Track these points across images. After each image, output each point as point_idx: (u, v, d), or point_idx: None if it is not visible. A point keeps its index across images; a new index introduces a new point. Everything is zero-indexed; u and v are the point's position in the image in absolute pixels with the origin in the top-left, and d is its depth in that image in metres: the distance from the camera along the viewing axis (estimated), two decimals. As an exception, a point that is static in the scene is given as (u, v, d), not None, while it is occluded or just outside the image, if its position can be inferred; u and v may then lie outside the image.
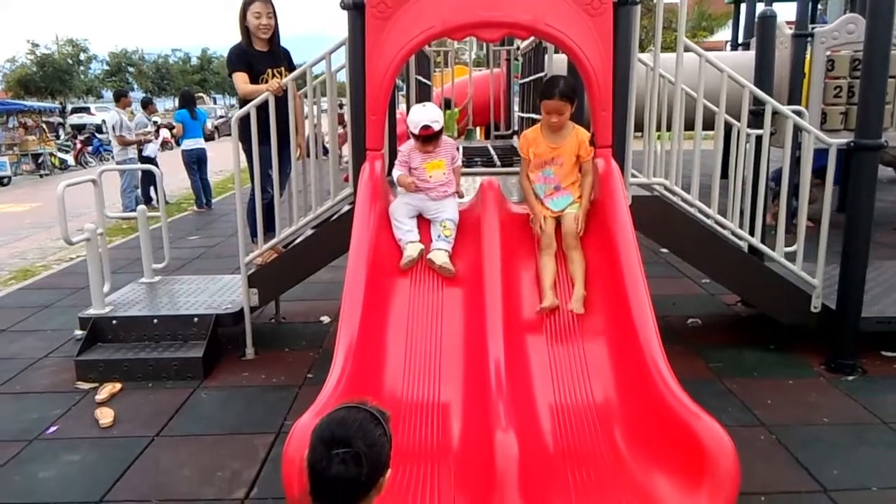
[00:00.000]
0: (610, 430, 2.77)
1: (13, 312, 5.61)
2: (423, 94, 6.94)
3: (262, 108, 4.30)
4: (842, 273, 4.18)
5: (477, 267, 3.33)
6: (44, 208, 11.51)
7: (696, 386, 2.69)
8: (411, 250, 3.49)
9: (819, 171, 4.55)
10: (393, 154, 4.22)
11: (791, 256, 4.33)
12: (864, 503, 2.89)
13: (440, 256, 3.47)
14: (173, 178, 12.42)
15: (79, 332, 4.54)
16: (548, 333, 3.22)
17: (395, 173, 3.69)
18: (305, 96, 4.58)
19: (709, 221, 4.30)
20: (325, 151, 5.22)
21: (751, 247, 4.40)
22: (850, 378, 4.07)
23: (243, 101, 4.49)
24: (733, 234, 4.36)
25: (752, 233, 4.35)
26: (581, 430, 2.81)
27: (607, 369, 3.00)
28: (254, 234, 4.66)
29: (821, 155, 4.44)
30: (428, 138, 3.59)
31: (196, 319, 4.46)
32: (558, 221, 3.53)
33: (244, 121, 4.35)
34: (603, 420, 2.83)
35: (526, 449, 2.61)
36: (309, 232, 4.60)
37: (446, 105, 8.92)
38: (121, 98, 10.68)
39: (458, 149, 3.86)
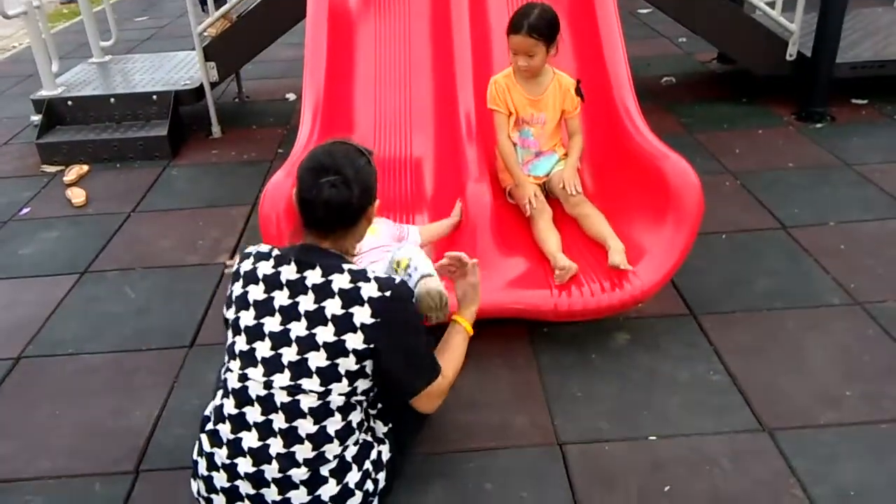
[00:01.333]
0: (580, 174, 2.80)
1: (-39, 103, 5.35)
2: None
3: None
4: (820, 18, 4.05)
5: (445, 17, 3.15)
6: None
7: (666, 139, 2.67)
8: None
9: None
10: None
11: (771, 5, 4.16)
12: (821, 236, 3.02)
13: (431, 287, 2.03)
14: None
15: (35, 118, 4.37)
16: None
17: None
18: None
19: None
20: None
21: (731, -6, 4.22)
22: (819, 125, 4.10)
23: None
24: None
25: (732, -22, 4.13)
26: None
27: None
28: (203, 2, 4.33)
29: None
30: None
31: (155, 97, 4.28)
32: (543, 187, 2.83)
33: None
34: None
35: (497, 196, 2.66)
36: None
37: None
38: None
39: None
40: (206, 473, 1.68)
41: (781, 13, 4.17)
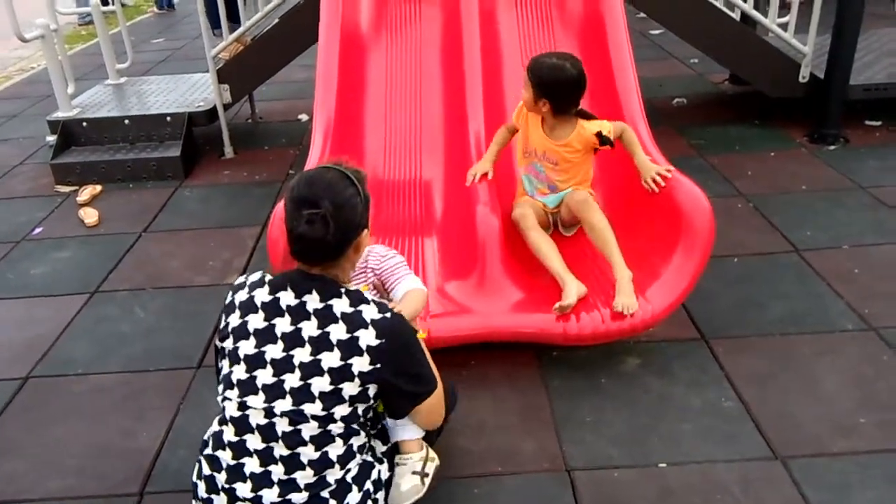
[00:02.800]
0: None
1: (-20, 123, 5.44)
2: None
3: None
4: (833, 39, 4.04)
5: (456, 41, 3.17)
6: (-5, 19, 10.78)
7: (677, 162, 2.67)
8: None
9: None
10: None
11: (783, 27, 4.16)
12: (835, 259, 2.99)
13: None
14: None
15: (51, 138, 4.41)
16: (528, 107, 3.14)
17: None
18: None
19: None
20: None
21: (743, 16, 4.22)
22: (832, 148, 4.07)
23: None
24: (726, 2, 4.15)
25: None
26: (562, 199, 2.83)
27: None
28: (215, 26, 4.38)
29: None
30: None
31: (169, 118, 4.33)
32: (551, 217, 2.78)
33: None
34: (583, 188, 2.84)
35: (507, 220, 2.66)
36: (276, 20, 4.34)
37: None
38: None
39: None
40: (205, 496, 1.67)
41: (794, 35, 4.16)
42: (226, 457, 1.63)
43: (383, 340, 1.61)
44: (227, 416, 1.65)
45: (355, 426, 1.66)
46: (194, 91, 4.70)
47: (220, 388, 1.69)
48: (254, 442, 1.61)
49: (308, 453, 1.60)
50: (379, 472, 1.76)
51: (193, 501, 1.72)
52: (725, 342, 2.53)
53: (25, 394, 2.49)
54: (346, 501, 1.66)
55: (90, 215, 3.74)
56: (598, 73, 3.07)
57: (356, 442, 1.68)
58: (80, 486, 2.08)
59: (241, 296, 1.69)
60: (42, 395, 2.48)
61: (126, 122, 4.32)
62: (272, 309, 1.64)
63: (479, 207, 2.62)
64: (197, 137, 4.52)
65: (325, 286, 1.64)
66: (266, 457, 1.60)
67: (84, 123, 4.32)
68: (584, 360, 2.46)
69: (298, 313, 1.62)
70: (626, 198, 2.74)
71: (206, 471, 1.67)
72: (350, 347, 1.60)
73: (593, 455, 2.09)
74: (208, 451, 1.68)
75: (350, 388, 1.60)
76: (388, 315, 1.64)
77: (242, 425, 1.62)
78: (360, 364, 1.60)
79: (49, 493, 2.07)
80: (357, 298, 1.64)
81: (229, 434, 1.63)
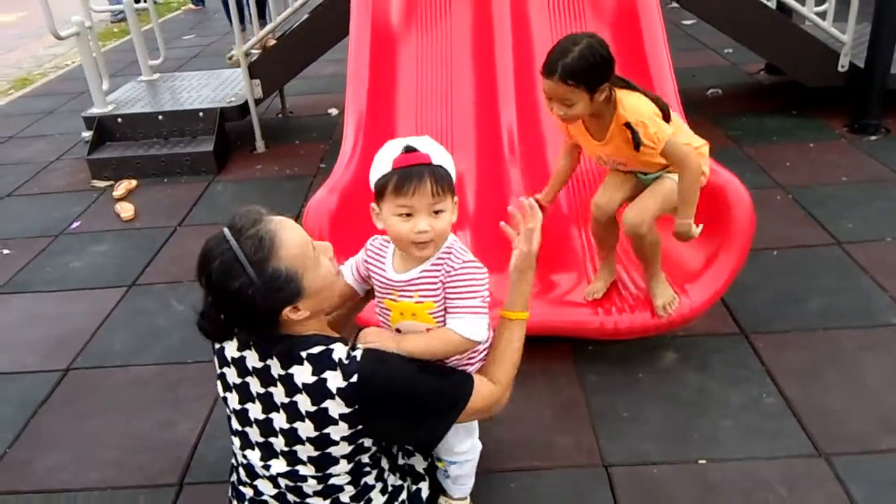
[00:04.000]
0: (626, 190, 2.75)
1: (18, 120, 5.53)
2: None
3: None
4: (873, 27, 3.94)
5: (487, 33, 3.14)
6: (31, 17, 10.96)
7: (713, 153, 2.58)
8: None
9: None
10: None
11: (821, 15, 4.07)
12: (877, 252, 2.91)
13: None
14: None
15: (86, 134, 4.48)
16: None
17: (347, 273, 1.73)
18: None
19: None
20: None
21: (779, 4, 4.13)
22: (873, 138, 3.97)
23: None
24: (761, -10, 4.07)
25: (781, -12, 4.05)
26: (595, 190, 2.79)
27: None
28: (241, 20, 4.40)
29: None
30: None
31: (201, 114, 4.37)
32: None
33: None
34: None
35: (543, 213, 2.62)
36: (305, 16, 4.35)
37: None
38: None
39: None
40: None
41: (832, 23, 4.06)
42: (248, 491, 1.59)
43: (356, 407, 1.39)
44: (239, 462, 1.59)
45: (362, 470, 1.53)
46: (226, 86, 4.74)
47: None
48: (266, 486, 1.54)
49: (318, 503, 1.51)
50: (418, 490, 1.67)
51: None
52: (766, 337, 2.48)
53: (66, 386, 2.53)
54: None
55: (126, 210, 3.79)
56: (632, 63, 3.03)
57: (370, 479, 1.55)
58: (119, 478, 2.10)
59: (216, 343, 1.54)
60: (82, 387, 2.52)
61: (160, 117, 4.37)
62: (241, 367, 1.48)
63: (513, 200, 2.60)
64: (229, 132, 4.55)
65: (286, 350, 1.42)
66: (282, 499, 1.54)
67: (119, 119, 4.38)
68: (621, 355, 2.43)
69: (265, 377, 1.45)
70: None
71: (235, 493, 1.65)
72: (321, 418, 1.41)
73: (631, 451, 2.06)
74: (233, 480, 1.66)
75: (339, 450, 1.45)
76: (353, 380, 1.38)
77: (250, 471, 1.56)
78: (339, 431, 1.42)
79: (89, 484, 2.09)
80: (321, 364, 1.40)
81: (244, 475, 1.59)
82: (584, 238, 2.71)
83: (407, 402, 1.46)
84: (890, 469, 1.93)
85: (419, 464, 1.74)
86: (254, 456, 1.52)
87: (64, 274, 3.27)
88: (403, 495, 1.65)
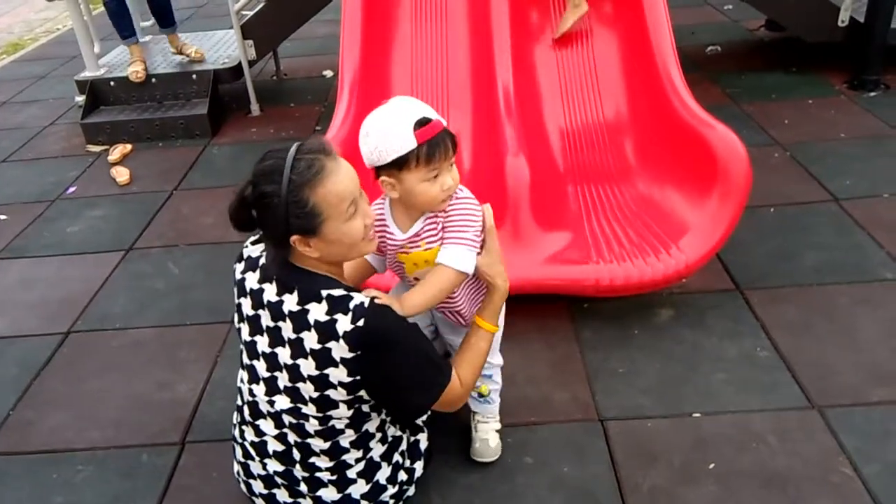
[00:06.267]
0: (621, 148, 2.75)
1: (10, 85, 5.47)
2: None
3: None
4: (875, -19, 3.87)
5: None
6: (20, -19, 10.77)
7: (711, 111, 2.58)
8: None
9: None
10: None
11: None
12: (875, 209, 2.91)
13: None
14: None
15: (79, 98, 4.45)
16: (558, 56, 3.07)
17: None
18: None
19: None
20: None
21: (780, -43, 4.06)
22: (873, 94, 3.94)
23: None
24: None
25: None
26: (591, 149, 2.79)
27: (620, 90, 2.90)
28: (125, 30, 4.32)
29: None
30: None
31: (195, 76, 4.32)
32: None
33: None
34: (613, 137, 2.79)
35: (536, 171, 2.62)
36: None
37: None
38: None
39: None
40: (242, 460, 1.70)
41: (834, -24, 4.00)
42: (250, 433, 1.64)
43: (358, 353, 1.44)
44: (245, 399, 1.64)
45: (365, 417, 1.58)
46: (219, 48, 4.68)
47: (240, 368, 1.66)
48: (268, 426, 1.59)
49: (319, 444, 1.57)
50: (416, 441, 1.73)
51: (234, 463, 1.77)
52: (761, 293, 2.49)
53: (67, 348, 2.55)
54: (375, 478, 1.63)
55: (122, 174, 3.77)
56: (630, 20, 2.99)
57: (371, 426, 1.60)
58: (122, 437, 2.13)
59: (238, 271, 1.61)
60: (82, 349, 2.54)
61: (153, 80, 4.32)
62: (257, 299, 1.54)
63: (509, 159, 2.59)
64: (223, 95, 4.51)
65: (308, 285, 1.48)
66: (282, 439, 1.59)
67: (111, 83, 4.34)
68: (615, 312, 2.44)
69: (277, 312, 1.51)
70: (659, 146, 2.68)
71: (238, 438, 1.70)
72: (324, 357, 1.46)
73: (626, 405, 2.08)
74: (237, 420, 1.70)
75: (337, 395, 1.49)
76: (360, 324, 1.43)
77: (255, 409, 1.61)
78: (338, 374, 1.46)
79: (92, 442, 2.12)
80: (337, 305, 1.45)
81: (247, 414, 1.63)
82: (580, 197, 2.70)
83: (404, 358, 1.51)
84: (881, 420, 1.96)
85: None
86: (259, 391, 1.57)
87: (61, 239, 3.27)
88: (403, 445, 1.69)
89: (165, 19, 4.43)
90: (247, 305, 1.56)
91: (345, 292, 1.47)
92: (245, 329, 1.58)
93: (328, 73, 5.06)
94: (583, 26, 3.09)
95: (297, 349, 1.48)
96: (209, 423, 2.15)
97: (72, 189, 3.73)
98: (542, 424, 2.04)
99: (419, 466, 1.75)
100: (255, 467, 1.67)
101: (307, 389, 1.49)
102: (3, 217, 3.51)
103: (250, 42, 4.31)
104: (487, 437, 1.93)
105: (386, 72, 3.07)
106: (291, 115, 4.46)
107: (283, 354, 1.51)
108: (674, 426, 2.00)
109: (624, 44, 2.90)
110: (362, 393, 1.50)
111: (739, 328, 2.34)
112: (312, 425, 1.54)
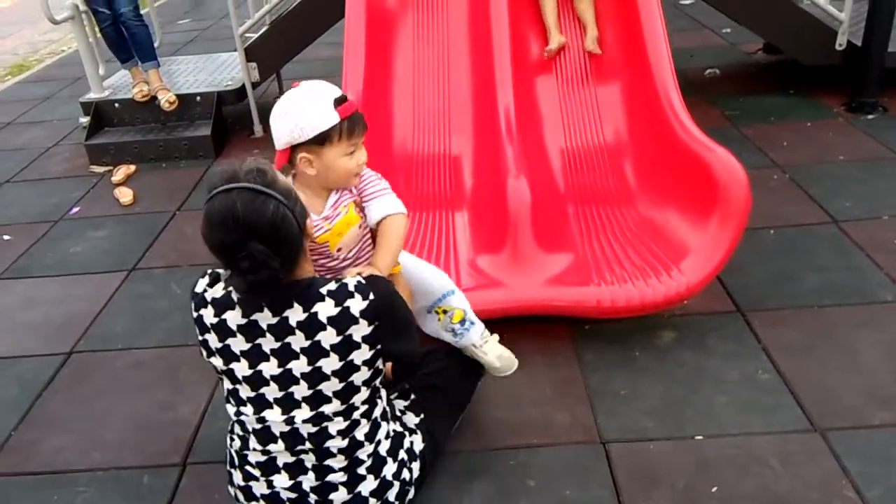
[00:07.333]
0: (621, 170, 2.77)
1: (15, 106, 5.52)
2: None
3: None
4: (871, 6, 3.92)
5: (483, 14, 3.13)
6: (25, 4, 10.90)
7: (710, 133, 2.61)
8: None
9: None
10: None
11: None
12: (874, 231, 2.92)
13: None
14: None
15: (84, 120, 4.48)
16: (558, 79, 3.11)
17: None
18: None
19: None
20: None
21: (777, -18, 4.11)
22: (871, 116, 3.97)
23: None
24: (759, -32, 4.05)
25: (779, -34, 4.02)
26: (592, 171, 2.81)
27: (620, 112, 2.94)
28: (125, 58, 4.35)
29: None
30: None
31: (198, 98, 4.36)
32: None
33: None
34: (614, 160, 2.81)
35: (537, 193, 2.64)
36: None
37: None
38: None
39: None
40: (243, 484, 1.71)
41: (830, 1, 4.05)
42: (254, 456, 1.66)
43: (377, 323, 1.56)
44: (249, 430, 1.64)
45: (374, 398, 1.68)
46: (223, 70, 4.73)
47: (230, 406, 1.65)
48: (279, 447, 1.63)
49: (337, 443, 1.63)
50: (412, 442, 1.79)
51: (230, 487, 1.77)
52: (762, 315, 2.49)
53: (69, 369, 2.55)
54: (383, 474, 1.69)
55: (125, 194, 3.80)
56: (629, 43, 3.03)
57: (378, 411, 1.69)
58: (123, 458, 2.13)
59: (209, 316, 1.57)
60: (85, 369, 2.54)
61: (157, 102, 4.36)
62: (251, 331, 1.55)
63: (510, 180, 2.60)
64: (227, 116, 4.55)
65: (305, 292, 1.54)
66: (295, 452, 1.63)
67: (116, 104, 4.38)
68: (617, 334, 2.45)
69: (282, 330, 1.53)
70: (659, 168, 2.71)
71: (237, 464, 1.71)
72: (346, 346, 1.54)
73: (628, 427, 2.08)
74: (235, 450, 1.70)
75: (360, 376, 1.59)
76: (372, 298, 1.55)
77: (265, 435, 1.62)
78: (362, 355, 1.57)
79: (94, 464, 2.12)
80: (341, 295, 1.54)
81: (254, 442, 1.64)
82: (581, 218, 2.72)
83: (405, 315, 1.68)
84: (883, 443, 1.96)
85: (411, 419, 1.85)
86: (273, 415, 1.59)
87: (64, 259, 3.28)
88: (406, 443, 1.76)
89: (146, 55, 4.29)
90: (238, 342, 1.56)
91: (336, 283, 1.57)
92: (241, 366, 1.57)
93: (331, 95, 5.09)
94: (581, 52, 3.14)
95: (315, 352, 1.54)
96: (211, 445, 2.14)
97: (75, 209, 3.75)
98: (545, 447, 2.04)
99: (416, 467, 1.80)
100: (259, 487, 1.67)
101: (331, 386, 1.56)
102: (6, 237, 3.52)
103: (254, 64, 4.36)
104: (498, 351, 2.02)
105: (388, 94, 3.10)
106: (294, 136, 4.48)
107: (299, 366, 1.55)
108: (676, 449, 2.00)
109: (624, 67, 2.94)
110: (379, 365, 1.62)
111: (741, 350, 2.34)
112: (336, 425, 1.60)
